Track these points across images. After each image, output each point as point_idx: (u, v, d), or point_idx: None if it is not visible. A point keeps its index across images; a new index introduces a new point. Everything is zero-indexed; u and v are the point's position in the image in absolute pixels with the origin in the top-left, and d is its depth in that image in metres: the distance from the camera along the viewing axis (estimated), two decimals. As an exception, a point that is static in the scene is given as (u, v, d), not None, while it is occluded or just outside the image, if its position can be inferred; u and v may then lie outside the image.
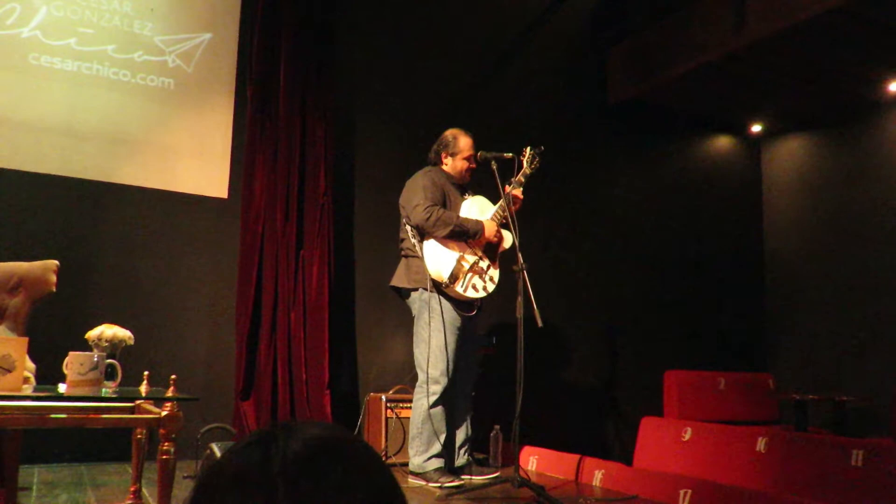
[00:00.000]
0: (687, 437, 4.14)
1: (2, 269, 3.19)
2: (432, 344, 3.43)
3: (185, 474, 3.20)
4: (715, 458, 3.90)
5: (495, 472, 3.57)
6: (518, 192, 3.59)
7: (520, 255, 3.27)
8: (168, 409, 2.13)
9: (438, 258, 3.45)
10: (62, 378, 2.26)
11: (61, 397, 2.21)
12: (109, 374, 2.40)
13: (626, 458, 4.70)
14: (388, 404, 4.01)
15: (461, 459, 3.62)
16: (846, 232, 5.90)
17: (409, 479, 3.42)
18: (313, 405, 4.21)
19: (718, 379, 5.40)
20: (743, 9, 4.86)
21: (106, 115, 4.14)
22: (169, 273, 4.19)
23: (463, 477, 3.47)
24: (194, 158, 4.35)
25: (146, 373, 2.49)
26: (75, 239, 3.97)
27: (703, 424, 4.31)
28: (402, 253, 3.65)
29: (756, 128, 6.53)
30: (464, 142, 3.72)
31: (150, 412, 2.22)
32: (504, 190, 3.51)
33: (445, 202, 3.60)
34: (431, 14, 5.15)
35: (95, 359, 2.22)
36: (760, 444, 3.71)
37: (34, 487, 3.03)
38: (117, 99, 4.18)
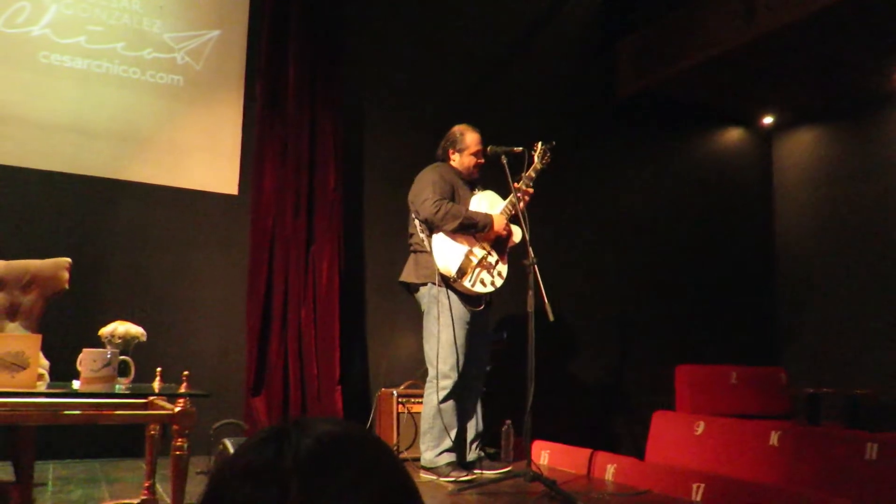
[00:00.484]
0: (699, 431, 4.13)
1: (15, 267, 3.21)
2: (442, 339, 3.44)
3: (199, 470, 3.21)
4: (727, 452, 3.89)
5: (507, 467, 3.57)
6: (528, 187, 3.58)
7: (530, 249, 3.26)
8: (181, 405, 2.14)
9: (447, 252, 3.45)
10: (76, 375, 2.27)
11: (75, 394, 2.22)
12: (122, 370, 2.41)
13: (638, 452, 4.69)
14: (399, 399, 4.01)
15: (472, 454, 3.63)
16: (858, 224, 5.85)
17: (421, 474, 3.43)
18: (324, 401, 4.22)
19: (730, 373, 5.37)
20: (753, 0, 4.82)
21: (116, 113, 4.16)
22: (180, 269, 4.20)
23: (474, 471, 3.47)
24: (204, 155, 4.36)
25: (159, 369, 2.50)
26: (87, 236, 3.99)
27: (716, 419, 4.29)
28: (412, 248, 3.65)
29: (767, 120, 6.48)
30: (471, 138, 3.71)
31: (163, 408, 2.23)
32: (514, 185, 3.50)
33: (454, 197, 3.60)
34: (440, 9, 5.14)
35: (108, 355, 2.23)
36: (773, 438, 3.69)
37: (49, 483, 3.06)
38: (127, 96, 4.20)
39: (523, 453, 3.25)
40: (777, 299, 6.44)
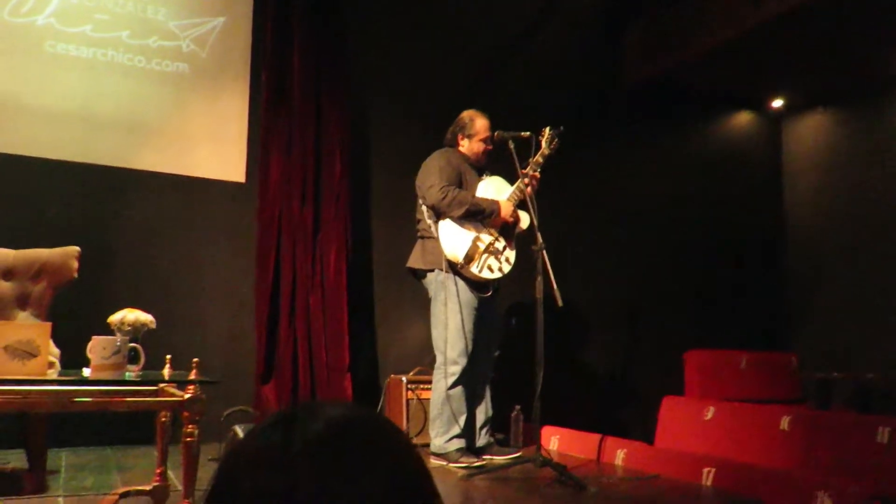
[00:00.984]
0: (709, 416, 4.12)
1: (24, 257, 3.23)
2: (450, 325, 3.43)
3: (210, 457, 3.23)
4: (737, 437, 3.88)
5: (516, 452, 3.58)
6: (536, 172, 3.56)
7: (538, 234, 3.25)
8: (191, 392, 2.14)
9: (454, 239, 3.44)
10: (86, 363, 2.28)
11: (85, 381, 2.23)
12: (132, 358, 2.42)
13: (648, 437, 4.67)
14: (409, 386, 4.02)
15: (482, 440, 3.63)
16: (868, 208, 5.81)
17: (431, 460, 3.43)
18: (334, 388, 4.23)
19: (740, 358, 5.35)
20: (763, -18, 4.77)
21: (122, 102, 4.16)
22: (188, 257, 4.21)
23: (484, 457, 3.48)
24: (210, 143, 4.36)
25: (168, 356, 2.50)
26: (95, 225, 4.00)
27: (725, 404, 4.27)
28: (419, 234, 3.64)
29: (777, 103, 6.42)
30: (480, 123, 3.69)
31: (173, 395, 2.24)
32: (521, 170, 3.48)
33: (461, 183, 3.58)
34: (446, -5, 5.10)
35: (118, 343, 2.24)
36: (783, 423, 3.68)
37: (62, 470, 3.08)
38: (133, 85, 4.19)
39: (533, 439, 3.25)
40: (787, 284, 6.41)
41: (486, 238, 3.50)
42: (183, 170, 4.25)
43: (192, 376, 2.22)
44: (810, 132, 6.42)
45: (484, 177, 3.71)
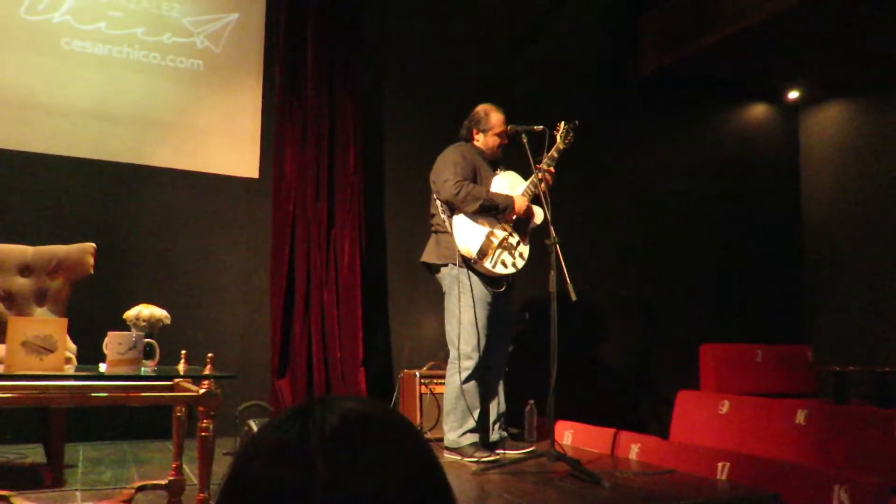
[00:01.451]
0: (724, 410, 4.10)
1: (41, 253, 3.26)
2: (463, 320, 3.43)
3: (225, 451, 3.25)
4: (753, 431, 3.85)
5: (530, 447, 3.58)
6: (550, 167, 3.55)
7: (552, 229, 3.24)
8: (206, 386, 2.16)
9: (467, 233, 3.44)
10: (102, 358, 2.30)
11: (102, 376, 2.25)
12: (148, 353, 2.44)
13: (662, 432, 4.66)
14: (422, 380, 4.03)
15: (496, 434, 3.63)
16: (886, 200, 5.74)
17: (445, 455, 3.44)
18: (348, 382, 4.25)
19: (755, 351, 5.32)
20: (779, -28, 4.72)
21: (137, 98, 4.18)
22: (203, 253, 4.24)
23: (498, 452, 3.48)
24: (225, 139, 4.37)
25: (183, 351, 2.52)
26: (111, 221, 4.03)
27: (741, 397, 4.25)
28: (433, 228, 3.64)
29: (793, 95, 6.36)
30: (495, 118, 3.68)
31: (188, 390, 2.25)
32: (535, 165, 3.47)
33: (476, 177, 3.57)
34: (458, -13, 5.09)
35: (134, 338, 2.25)
36: (799, 417, 3.65)
37: (80, 464, 3.11)
38: (148, 82, 4.22)
39: (547, 433, 3.24)
40: (803, 277, 6.36)
41: (499, 233, 3.50)
42: (197, 166, 4.28)
43: (207, 371, 2.24)
44: (827, 123, 6.35)
45: (498, 171, 3.70)
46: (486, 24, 5.16)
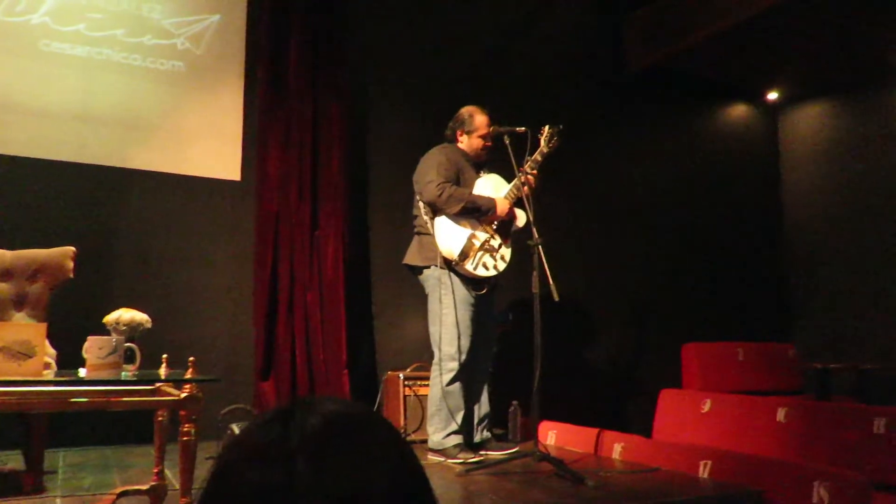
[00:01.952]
0: (706, 408, 4.13)
1: (21, 257, 3.22)
2: (446, 321, 3.43)
3: (208, 455, 3.23)
4: (735, 428, 3.89)
5: (514, 447, 3.58)
6: (533, 171, 3.54)
7: (535, 229, 3.25)
8: (188, 390, 2.14)
9: (450, 235, 3.44)
10: (83, 363, 2.28)
11: (82, 381, 2.23)
12: (129, 357, 2.42)
13: (646, 430, 4.69)
14: (406, 382, 4.02)
15: (480, 435, 3.64)
16: (866, 198, 5.82)
17: (429, 456, 3.44)
18: (332, 384, 4.23)
19: (737, 349, 5.37)
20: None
21: (118, 101, 4.15)
22: (185, 256, 4.21)
23: (482, 453, 3.48)
24: (207, 141, 4.35)
25: (165, 356, 2.50)
26: (91, 225, 4.00)
27: (723, 395, 4.29)
28: (415, 230, 3.64)
29: (773, 95, 6.42)
30: (480, 119, 3.69)
31: (170, 394, 2.23)
32: (518, 167, 3.48)
33: (459, 179, 3.58)
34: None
35: (114, 342, 2.23)
36: (781, 414, 3.69)
37: (60, 470, 3.08)
38: (129, 84, 4.18)
39: (531, 434, 3.25)
40: (785, 275, 6.42)
41: (481, 235, 3.50)
42: (179, 168, 4.24)
43: (189, 375, 2.22)
44: (806, 123, 6.42)
45: (482, 173, 3.71)
46: (471, 25, 5.16)
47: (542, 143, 3.58)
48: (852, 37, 5.20)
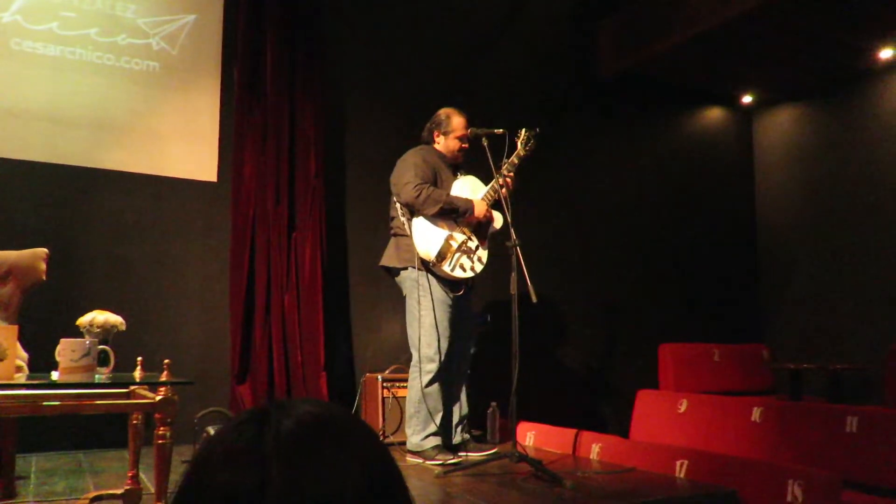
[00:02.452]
0: (682, 408, 4.17)
1: (-9, 259, 3.16)
2: (424, 323, 3.43)
3: (183, 459, 3.20)
4: (710, 428, 3.93)
5: (493, 448, 3.59)
6: (510, 174, 3.56)
7: (513, 231, 3.26)
8: (162, 393, 2.12)
9: (427, 236, 3.44)
10: (55, 366, 2.25)
11: (54, 384, 2.20)
12: (102, 360, 2.39)
13: (623, 431, 4.72)
14: (385, 384, 4.01)
15: (458, 437, 3.64)
16: (838, 201, 5.91)
17: (408, 458, 3.43)
18: (310, 387, 4.21)
19: (713, 351, 5.43)
20: (732, -22, 4.82)
21: (91, 101, 4.09)
22: (160, 258, 4.16)
23: (460, 454, 3.48)
24: (182, 142, 4.31)
25: (139, 358, 2.47)
26: (64, 226, 3.94)
27: (699, 396, 4.33)
28: (392, 232, 3.64)
29: (747, 99, 6.50)
30: (457, 121, 3.69)
31: (144, 397, 2.21)
32: (496, 169, 3.49)
33: (436, 180, 3.58)
34: (419, -9, 5.09)
35: (87, 345, 2.20)
36: (755, 414, 3.73)
37: (32, 475, 3.03)
38: (102, 83, 4.13)
39: (509, 435, 3.26)
40: (758, 277, 6.50)
41: (459, 237, 3.50)
42: (154, 169, 4.20)
43: (164, 377, 2.20)
44: (779, 127, 6.51)
45: (459, 175, 3.71)
46: (447, 28, 5.17)
47: (519, 146, 3.60)
48: (823, 42, 5.28)
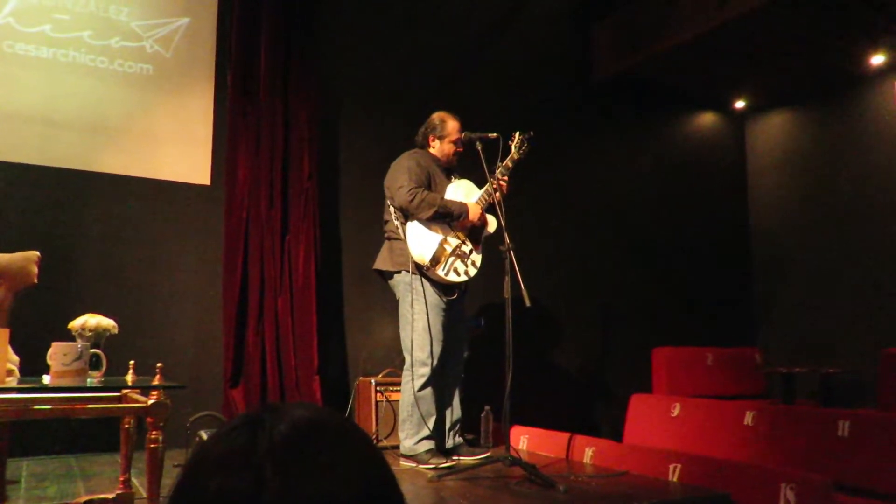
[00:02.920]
0: (676, 412, 4.17)
1: (-18, 261, 3.15)
2: (417, 326, 3.43)
3: (176, 463, 3.19)
4: (703, 432, 3.94)
5: (486, 452, 3.58)
6: (504, 178, 3.56)
7: (506, 235, 3.26)
8: (155, 397, 2.11)
9: (421, 240, 3.44)
10: (47, 370, 2.24)
11: (46, 388, 2.19)
12: (94, 364, 2.38)
13: (616, 435, 4.73)
14: (378, 388, 4.01)
15: (452, 440, 3.63)
16: (831, 205, 5.93)
17: (401, 462, 3.43)
18: (303, 391, 4.20)
19: (706, 354, 5.44)
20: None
21: (84, 103, 4.08)
22: (153, 261, 4.15)
23: (454, 458, 3.48)
24: (176, 145, 4.30)
25: (132, 362, 2.46)
26: (57, 229, 3.93)
27: (692, 400, 4.34)
28: (386, 235, 3.64)
29: (740, 104, 6.53)
30: (451, 125, 3.70)
31: (136, 401, 2.20)
32: (490, 173, 3.49)
33: (431, 184, 3.58)
34: (413, -6, 5.10)
35: (79, 348, 2.19)
36: (748, 418, 3.74)
37: (23, 480, 3.01)
38: (95, 86, 4.12)
39: (502, 438, 3.25)
40: (751, 281, 6.52)
41: (453, 241, 3.50)
42: (147, 172, 4.19)
43: (156, 381, 2.19)
44: (772, 132, 6.54)
45: (453, 179, 3.71)
46: (442, 31, 5.18)
47: (513, 149, 3.61)
48: (816, 47, 5.31)
